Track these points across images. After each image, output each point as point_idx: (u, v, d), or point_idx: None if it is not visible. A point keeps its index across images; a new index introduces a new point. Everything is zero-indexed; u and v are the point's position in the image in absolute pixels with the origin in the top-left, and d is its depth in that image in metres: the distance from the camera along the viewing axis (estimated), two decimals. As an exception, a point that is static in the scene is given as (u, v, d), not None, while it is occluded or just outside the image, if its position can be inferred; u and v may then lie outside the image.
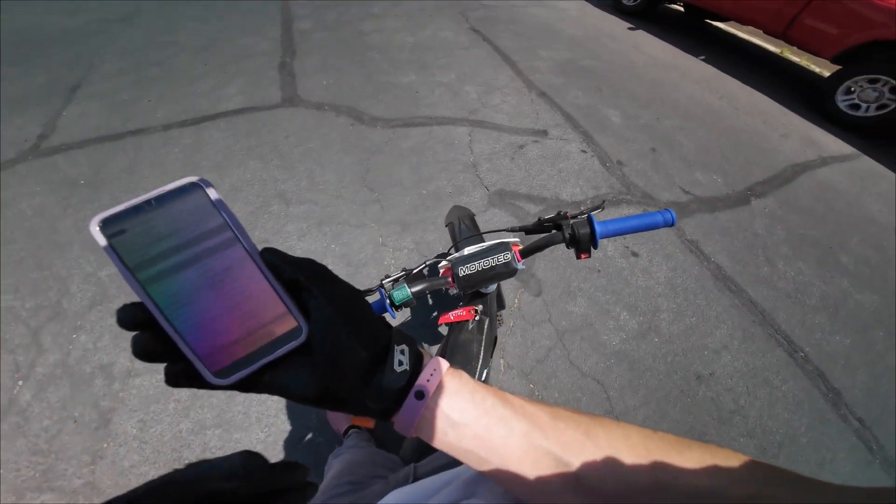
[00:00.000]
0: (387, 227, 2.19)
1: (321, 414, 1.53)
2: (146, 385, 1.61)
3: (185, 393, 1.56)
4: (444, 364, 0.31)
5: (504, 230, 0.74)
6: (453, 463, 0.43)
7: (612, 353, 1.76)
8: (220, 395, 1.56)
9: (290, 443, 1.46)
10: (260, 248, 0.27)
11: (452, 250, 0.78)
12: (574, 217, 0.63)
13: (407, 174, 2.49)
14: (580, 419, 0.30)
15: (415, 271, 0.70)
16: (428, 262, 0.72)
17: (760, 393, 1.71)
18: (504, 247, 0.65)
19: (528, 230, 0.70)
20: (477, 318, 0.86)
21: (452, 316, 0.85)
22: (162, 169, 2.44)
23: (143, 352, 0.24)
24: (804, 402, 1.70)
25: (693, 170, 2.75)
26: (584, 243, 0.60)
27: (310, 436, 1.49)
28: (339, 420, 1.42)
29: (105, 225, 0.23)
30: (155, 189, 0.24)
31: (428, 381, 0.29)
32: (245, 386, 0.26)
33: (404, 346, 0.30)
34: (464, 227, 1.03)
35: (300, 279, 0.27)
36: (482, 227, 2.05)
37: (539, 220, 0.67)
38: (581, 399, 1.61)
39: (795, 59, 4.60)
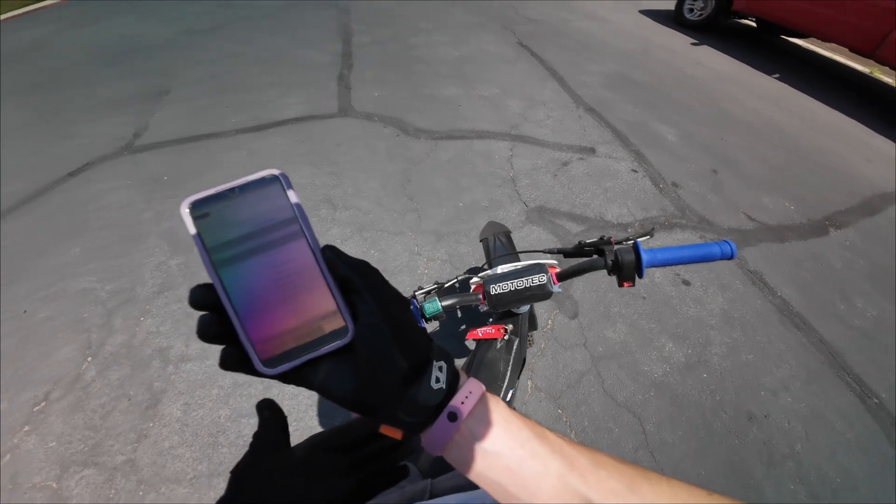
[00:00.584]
0: (422, 237, 2.22)
1: (348, 414, 1.56)
2: (195, 370, 1.73)
3: (227, 381, 1.66)
4: (480, 388, 0.30)
5: (541, 251, 0.72)
6: (472, 484, 0.42)
7: (651, 384, 1.64)
8: (259, 386, 1.65)
9: (316, 440, 1.50)
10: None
11: (486, 266, 0.78)
12: (619, 243, 0.60)
13: (445, 185, 2.52)
14: (624, 469, 0.28)
15: (446, 285, 0.70)
16: (460, 278, 0.72)
17: (821, 438, 1.53)
18: (540, 268, 0.63)
19: (567, 253, 0.67)
20: (506, 337, 0.85)
21: (480, 333, 0.83)
22: (230, 170, 2.66)
23: (206, 332, 0.25)
24: (871, 450, 1.50)
25: (760, 194, 2.53)
26: (627, 271, 0.57)
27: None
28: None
29: (193, 207, 0.25)
30: (238, 178, 0.26)
31: (462, 403, 0.29)
32: (287, 378, 0.27)
33: (443, 364, 0.30)
34: (499, 245, 1.02)
35: (354, 280, 0.27)
36: (519, 245, 2.04)
37: (580, 243, 0.64)
38: (613, 430, 1.51)
39: (888, 80, 4.12)
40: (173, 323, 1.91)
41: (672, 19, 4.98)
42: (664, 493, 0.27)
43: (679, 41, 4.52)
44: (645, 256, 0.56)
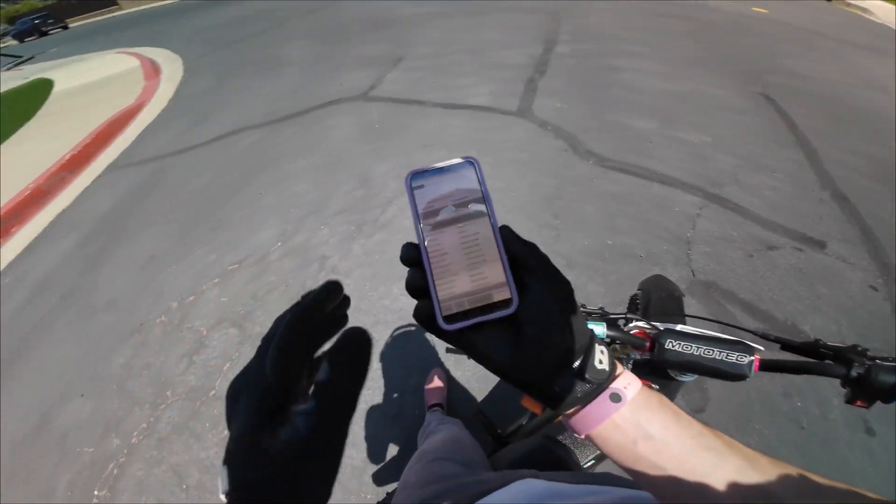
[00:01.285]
0: (555, 257, 1.96)
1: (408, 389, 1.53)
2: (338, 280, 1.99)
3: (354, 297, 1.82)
4: (639, 381, 0.31)
5: (745, 329, 0.63)
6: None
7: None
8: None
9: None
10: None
11: (632, 315, 0.68)
12: (882, 360, 0.51)
13: (597, 217, 2.22)
14: (810, 475, 0.27)
15: (611, 316, 0.64)
16: (628, 316, 0.66)
17: None
18: (746, 348, 0.54)
19: (789, 346, 0.57)
20: None
21: None
22: (421, 136, 3.09)
23: (412, 285, 0.29)
24: None
25: None
26: (877, 393, 0.50)
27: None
28: (432, 394, 1.51)
29: (413, 178, 0.30)
30: (445, 160, 0.30)
31: (625, 388, 0.29)
32: (456, 340, 0.29)
33: (604, 348, 0.31)
34: (670, 306, 0.82)
35: (528, 259, 0.29)
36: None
37: (816, 341, 0.56)
38: None
39: None
40: (339, 240, 2.30)
41: None
42: None
43: None
44: None
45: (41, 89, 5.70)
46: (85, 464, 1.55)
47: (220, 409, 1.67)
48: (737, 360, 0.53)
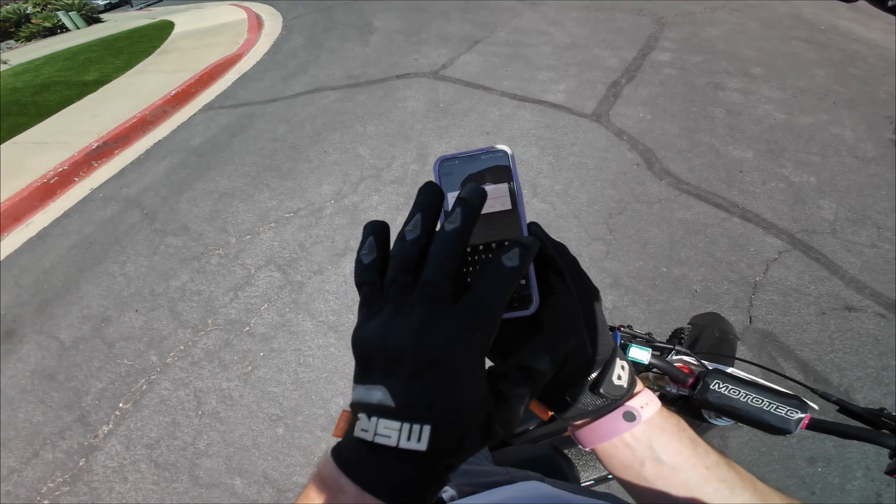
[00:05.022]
0: (599, 272, 1.90)
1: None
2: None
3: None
4: (658, 403, 0.29)
5: (805, 385, 0.60)
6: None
7: None
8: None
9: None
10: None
11: (678, 349, 0.65)
12: None
13: (659, 242, 2.05)
14: None
15: (658, 343, 0.63)
16: (674, 347, 0.64)
17: None
18: (799, 403, 0.51)
19: (846, 409, 0.54)
20: None
21: None
22: (483, 123, 3.06)
23: None
24: None
25: None
26: None
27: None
28: None
29: (441, 164, 0.29)
30: (480, 147, 0.29)
31: (642, 407, 0.28)
32: None
33: (625, 365, 0.29)
34: (723, 347, 0.77)
35: (557, 260, 0.28)
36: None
37: (881, 409, 0.53)
38: None
39: None
40: (387, 208, 2.41)
41: None
42: None
43: None
44: None
45: (163, 30, 6.38)
46: (120, 374, 1.76)
47: (250, 345, 1.81)
48: (786, 413, 0.51)
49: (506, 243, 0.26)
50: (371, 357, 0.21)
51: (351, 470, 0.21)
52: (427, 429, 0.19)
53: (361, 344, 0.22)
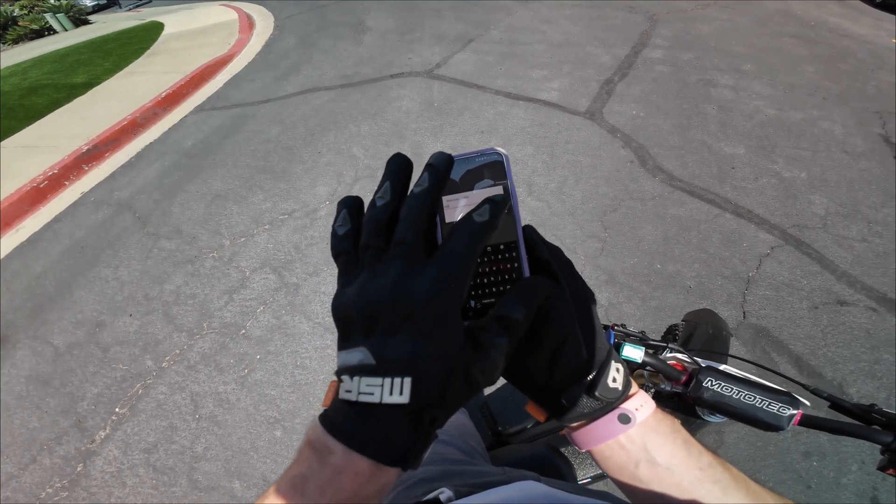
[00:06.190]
0: (595, 270, 1.91)
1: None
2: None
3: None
4: (653, 404, 0.30)
5: (796, 381, 0.60)
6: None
7: None
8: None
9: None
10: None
11: (671, 346, 0.65)
12: None
13: (653, 239, 2.07)
14: None
15: (651, 342, 0.63)
16: (666, 344, 0.64)
17: None
18: (790, 399, 0.52)
19: (838, 406, 0.55)
20: None
21: None
22: (477, 121, 3.06)
23: None
24: None
25: None
26: None
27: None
28: None
29: None
30: (476, 148, 0.29)
31: (637, 409, 0.28)
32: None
33: (620, 366, 0.29)
34: (716, 344, 0.78)
35: (551, 262, 0.28)
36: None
37: (871, 405, 0.54)
38: None
39: None
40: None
41: None
42: None
43: None
44: None
45: (153, 31, 6.31)
46: (115, 379, 1.75)
47: (246, 348, 1.80)
48: (778, 410, 0.52)
49: (501, 246, 0.27)
50: (351, 322, 0.22)
51: (336, 430, 0.21)
52: (408, 381, 0.20)
53: (340, 310, 0.22)
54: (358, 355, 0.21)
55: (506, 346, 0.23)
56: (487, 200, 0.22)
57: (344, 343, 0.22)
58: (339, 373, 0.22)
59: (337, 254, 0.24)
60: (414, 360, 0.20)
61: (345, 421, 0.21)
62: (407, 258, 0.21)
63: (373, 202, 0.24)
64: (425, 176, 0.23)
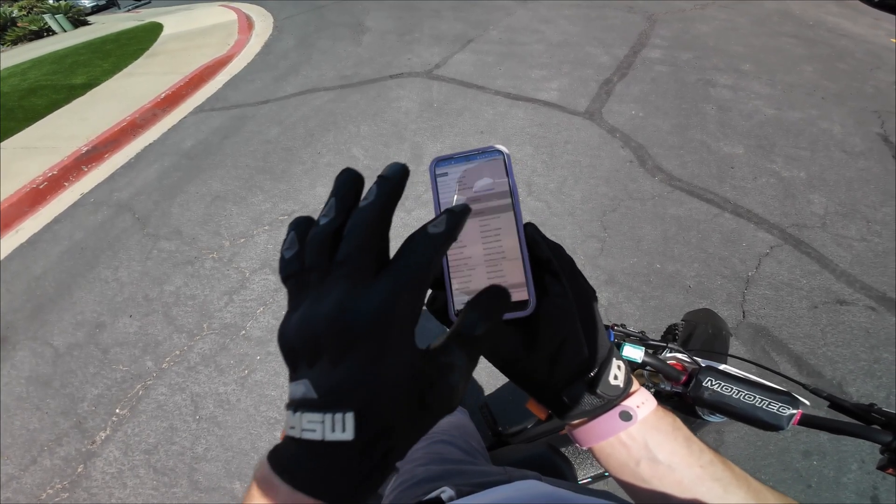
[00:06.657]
0: (594, 270, 1.92)
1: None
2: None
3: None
4: (654, 401, 0.30)
5: (796, 381, 0.60)
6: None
7: None
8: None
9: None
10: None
11: (671, 346, 0.65)
12: None
13: (652, 238, 2.07)
14: None
15: (651, 342, 0.64)
16: (666, 344, 0.64)
17: None
18: (790, 399, 0.52)
19: (837, 405, 0.55)
20: None
21: None
22: (477, 122, 3.06)
23: None
24: None
25: None
26: None
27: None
28: None
29: (438, 164, 0.29)
30: (476, 147, 0.29)
31: (638, 407, 0.28)
32: None
33: (622, 364, 0.30)
34: (715, 344, 0.78)
35: (553, 262, 0.28)
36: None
37: (871, 405, 0.54)
38: None
39: None
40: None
41: None
42: None
43: None
44: None
45: (152, 32, 6.31)
46: (116, 380, 1.75)
47: (246, 348, 1.80)
48: (778, 410, 0.52)
49: (501, 246, 0.28)
50: (295, 352, 0.20)
51: (282, 468, 0.19)
52: (350, 416, 0.18)
53: (283, 341, 0.21)
54: (301, 388, 0.19)
55: (465, 367, 0.21)
56: (446, 211, 0.21)
57: (292, 374, 0.21)
58: (287, 406, 0.21)
59: (285, 277, 0.22)
60: (357, 391, 0.18)
61: (290, 459, 0.19)
62: (349, 279, 0.19)
63: (316, 222, 0.22)
64: (373, 189, 0.21)
